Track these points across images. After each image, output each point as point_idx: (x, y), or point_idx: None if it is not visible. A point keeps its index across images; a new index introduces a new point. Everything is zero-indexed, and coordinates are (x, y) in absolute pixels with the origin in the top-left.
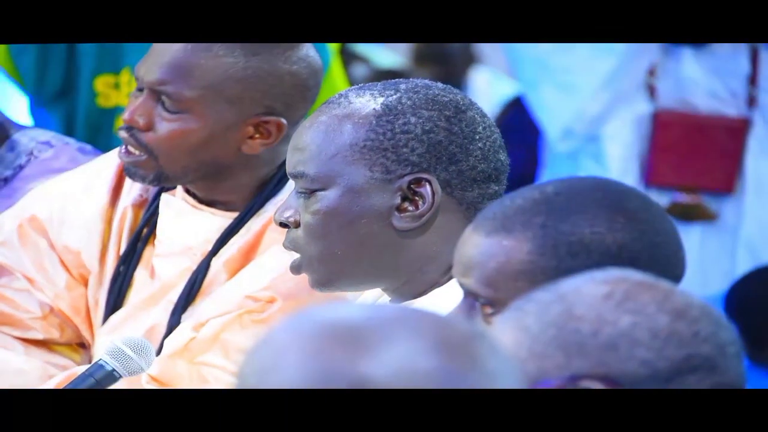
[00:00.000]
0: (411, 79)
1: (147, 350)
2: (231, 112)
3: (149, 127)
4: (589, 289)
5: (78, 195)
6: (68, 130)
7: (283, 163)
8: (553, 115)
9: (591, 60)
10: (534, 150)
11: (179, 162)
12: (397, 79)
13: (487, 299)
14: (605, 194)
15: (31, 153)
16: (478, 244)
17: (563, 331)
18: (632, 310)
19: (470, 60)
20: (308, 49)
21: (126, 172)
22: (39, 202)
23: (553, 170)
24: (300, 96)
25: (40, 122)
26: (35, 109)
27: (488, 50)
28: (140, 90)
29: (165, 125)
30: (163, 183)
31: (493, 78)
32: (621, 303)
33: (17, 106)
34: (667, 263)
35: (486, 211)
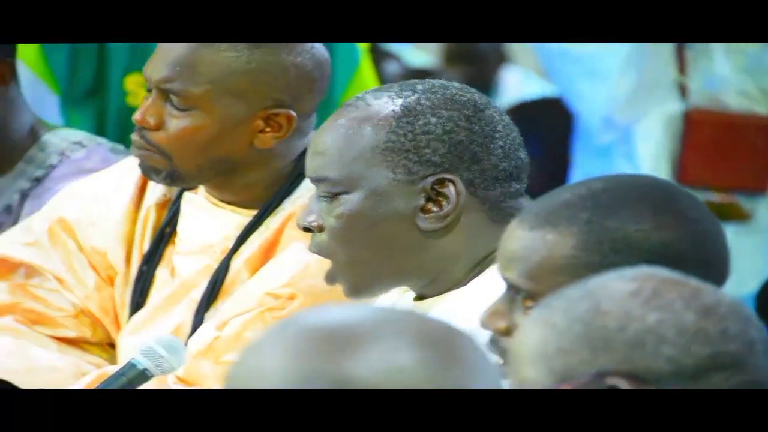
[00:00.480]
0: (427, 80)
1: (179, 349)
2: (239, 106)
3: (160, 127)
4: (617, 286)
5: (106, 195)
6: (99, 129)
7: (298, 158)
8: (591, 105)
9: (612, 44)
10: (565, 148)
11: (192, 160)
12: (412, 80)
13: (529, 293)
14: (653, 192)
15: (63, 153)
16: (522, 238)
17: (590, 327)
18: (659, 306)
19: (501, 59)
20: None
21: (142, 172)
22: (68, 204)
23: (584, 169)
24: (307, 88)
25: (71, 121)
26: (66, 109)
27: (519, 49)
28: (150, 91)
29: (175, 123)
30: (178, 183)
31: (524, 77)
32: (648, 300)
33: (48, 106)
34: (712, 264)
35: (532, 205)
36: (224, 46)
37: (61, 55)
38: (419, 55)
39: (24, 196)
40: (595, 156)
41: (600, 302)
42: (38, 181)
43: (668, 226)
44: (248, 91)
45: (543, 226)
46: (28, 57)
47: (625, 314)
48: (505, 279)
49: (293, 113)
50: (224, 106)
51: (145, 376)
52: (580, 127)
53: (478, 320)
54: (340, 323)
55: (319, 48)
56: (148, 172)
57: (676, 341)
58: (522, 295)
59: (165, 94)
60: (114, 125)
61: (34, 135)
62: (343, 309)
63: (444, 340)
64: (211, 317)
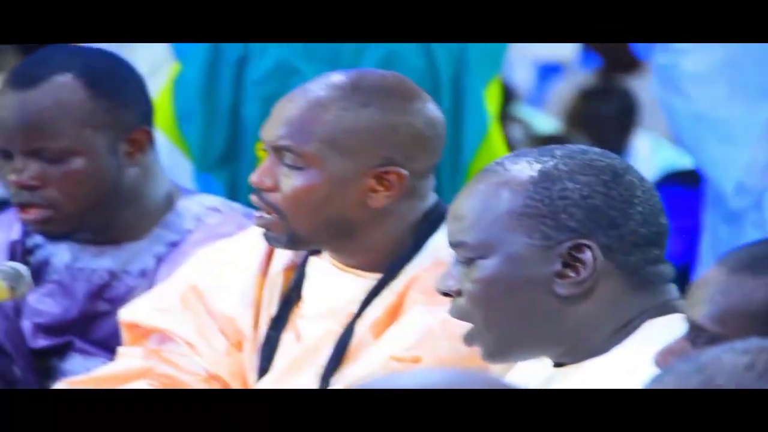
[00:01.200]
0: (566, 145)
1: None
2: (349, 164)
3: (275, 187)
4: (730, 359)
5: (236, 261)
6: (232, 195)
7: (419, 220)
8: (725, 171)
9: (749, 110)
10: (695, 214)
11: (307, 220)
12: (552, 145)
13: (712, 335)
14: None
15: (199, 218)
16: (720, 281)
17: None
18: None
19: (629, 124)
20: (424, 102)
21: (267, 242)
22: (199, 269)
23: (715, 235)
24: (418, 147)
25: (204, 187)
26: (200, 175)
27: (648, 114)
28: (267, 153)
29: (288, 182)
30: (297, 246)
31: (655, 144)
32: (764, 373)
33: (183, 172)
34: None
35: (736, 250)
36: (333, 104)
37: (195, 123)
38: (546, 121)
39: (160, 260)
40: (725, 222)
41: (713, 376)
42: (174, 245)
43: None
44: (357, 149)
45: (743, 272)
46: (163, 124)
47: (738, 388)
48: (691, 319)
49: (404, 172)
50: (335, 164)
51: None
52: (712, 193)
53: (652, 360)
54: (409, 387)
55: (432, 109)
56: (271, 241)
57: None
58: (704, 337)
59: (279, 154)
60: (247, 191)
61: (169, 200)
62: (415, 373)
63: None
64: (337, 382)
